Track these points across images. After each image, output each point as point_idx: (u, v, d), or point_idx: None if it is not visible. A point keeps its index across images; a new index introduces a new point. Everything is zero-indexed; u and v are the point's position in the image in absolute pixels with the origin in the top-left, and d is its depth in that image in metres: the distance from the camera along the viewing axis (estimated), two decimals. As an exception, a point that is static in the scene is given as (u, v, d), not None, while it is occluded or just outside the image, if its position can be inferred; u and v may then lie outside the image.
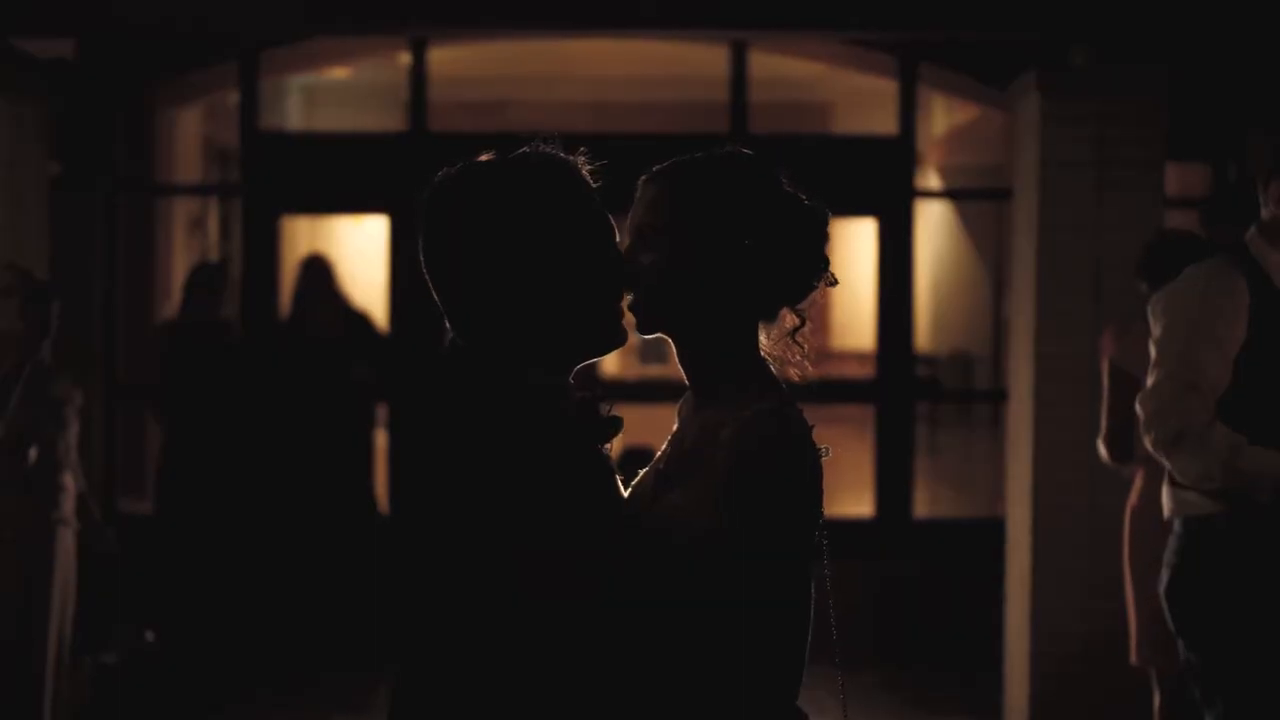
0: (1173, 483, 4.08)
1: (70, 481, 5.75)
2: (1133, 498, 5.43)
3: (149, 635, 6.70)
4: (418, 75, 8.33)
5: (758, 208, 2.33)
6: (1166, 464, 3.95)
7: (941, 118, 11.60)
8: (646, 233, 2.34)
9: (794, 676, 2.26)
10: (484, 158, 2.30)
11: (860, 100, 10.56)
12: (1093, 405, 6.18)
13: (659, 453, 2.41)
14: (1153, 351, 4.05)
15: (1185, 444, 3.87)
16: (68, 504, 5.73)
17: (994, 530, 7.37)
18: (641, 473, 2.43)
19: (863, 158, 8.48)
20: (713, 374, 2.36)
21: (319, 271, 8.10)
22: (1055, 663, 6.34)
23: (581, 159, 2.33)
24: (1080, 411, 6.27)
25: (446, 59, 8.64)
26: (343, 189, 8.53)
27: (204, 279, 8.03)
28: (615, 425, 2.32)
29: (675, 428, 2.43)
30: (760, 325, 2.39)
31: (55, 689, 5.75)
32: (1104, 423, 5.46)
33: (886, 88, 8.67)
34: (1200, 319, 3.92)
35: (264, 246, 8.42)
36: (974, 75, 8.28)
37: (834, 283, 2.42)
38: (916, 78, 8.35)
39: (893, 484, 8.29)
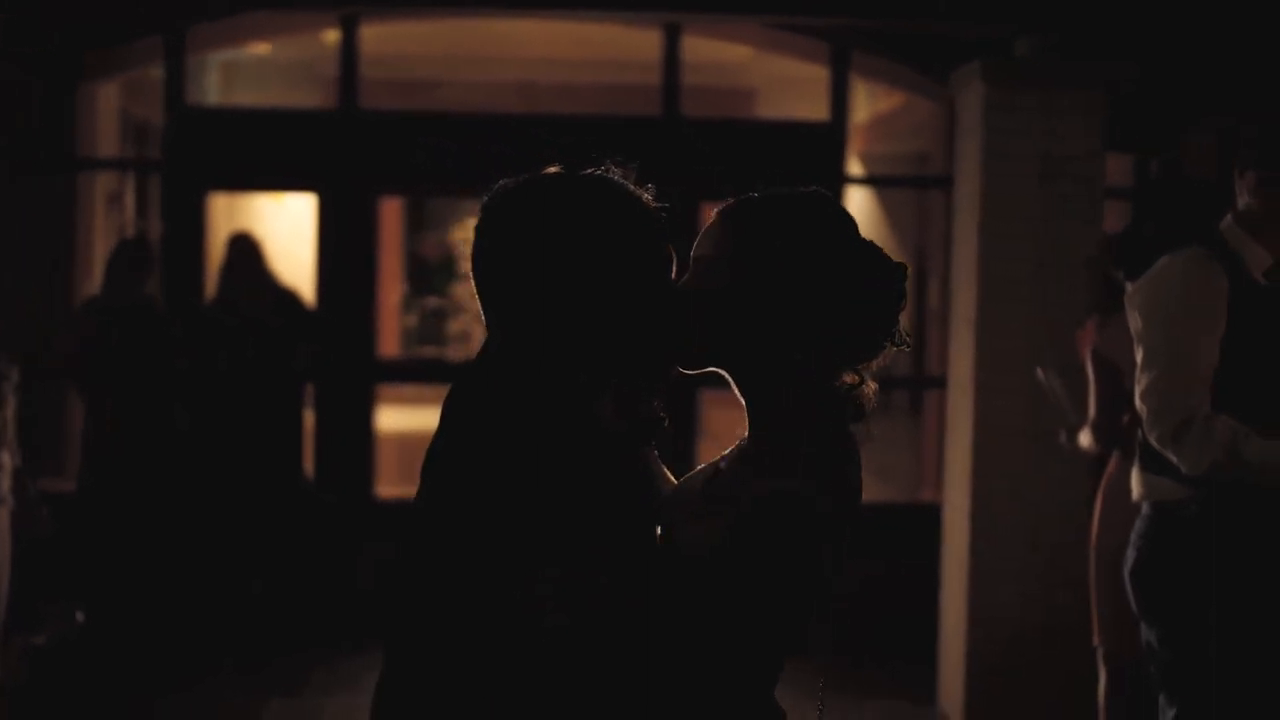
0: (1144, 467, 4.12)
1: (7, 459, 5.64)
2: (1104, 482, 5.47)
3: (79, 615, 6.60)
4: (349, 53, 8.24)
5: (823, 254, 2.26)
6: (1173, 459, 3.93)
7: (864, 105, 11.65)
8: (704, 263, 2.30)
9: (771, 674, 2.28)
10: (551, 170, 2.30)
11: (784, 86, 10.59)
12: (1033, 394, 6.26)
13: (727, 450, 2.39)
14: (1138, 346, 4.08)
15: (1189, 437, 3.87)
16: (4, 482, 5.62)
17: (919, 515, 7.43)
18: (701, 466, 2.41)
19: (794, 143, 8.52)
20: (764, 416, 2.31)
21: (247, 250, 8.00)
22: (991, 648, 6.40)
23: (649, 196, 2.31)
24: (1020, 401, 6.34)
25: (373, 37, 8.56)
26: (271, 166, 8.44)
27: (128, 257, 7.91)
28: (656, 426, 2.34)
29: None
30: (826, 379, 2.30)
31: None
32: (1091, 412, 5.49)
33: (810, 74, 8.70)
34: (1186, 308, 3.95)
35: (189, 224, 8.31)
36: (908, 63, 8.33)
37: (904, 344, 2.34)
38: (849, 64, 8.39)
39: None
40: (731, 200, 2.33)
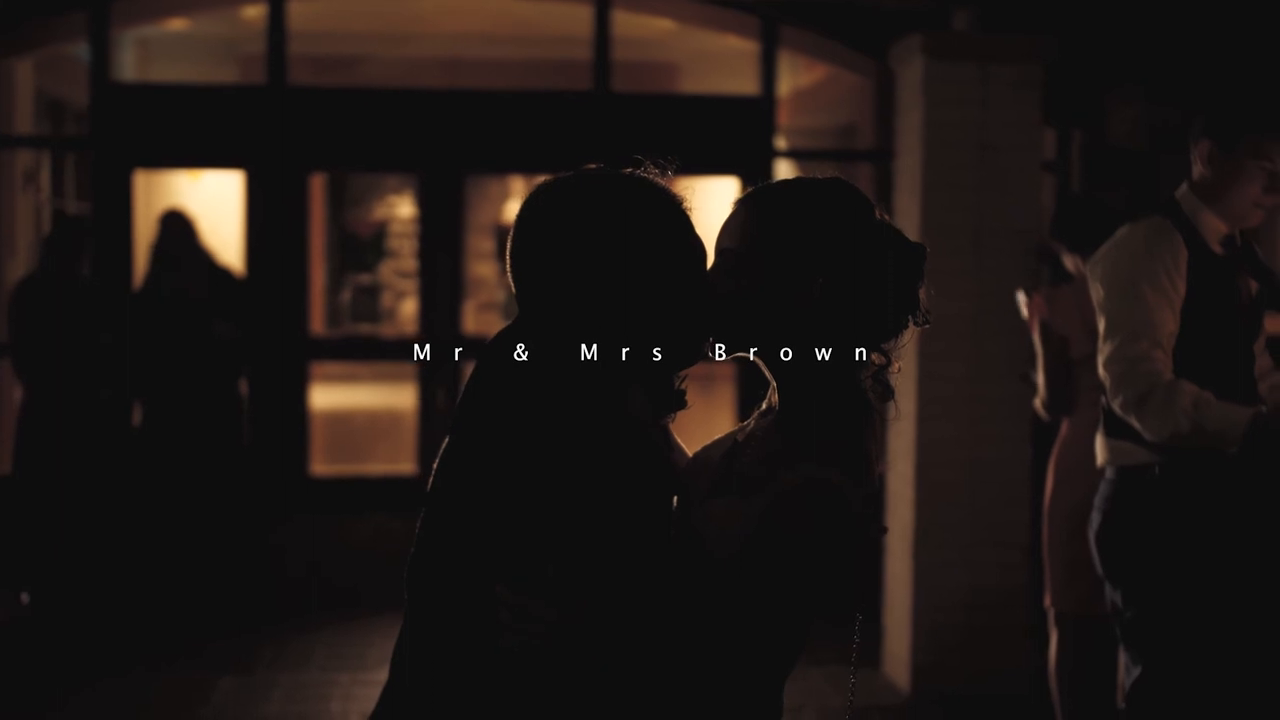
0: (1107, 432, 4.18)
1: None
2: (1057, 447, 5.56)
3: (24, 598, 6.53)
4: (277, 28, 8.16)
5: (838, 240, 2.28)
6: (1137, 425, 4.00)
7: (786, 79, 11.71)
8: (725, 254, 2.32)
9: (779, 665, 2.31)
10: (592, 167, 2.36)
11: (706, 61, 10.61)
12: (974, 362, 6.35)
13: (745, 423, 2.41)
14: (1100, 315, 4.15)
15: (1153, 403, 3.93)
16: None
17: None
18: (718, 438, 2.43)
19: (725, 117, 8.54)
20: (791, 400, 2.33)
21: (180, 227, 7.91)
22: (937, 613, 6.48)
23: (687, 200, 2.37)
24: (962, 370, 6.42)
25: (296, 13, 8.47)
26: (200, 142, 8.33)
27: (63, 235, 7.85)
28: (679, 401, 2.40)
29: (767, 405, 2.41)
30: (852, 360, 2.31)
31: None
32: (1040, 385, 5.57)
33: (733, 48, 8.71)
34: (1149, 276, 4.00)
35: (116, 202, 8.19)
36: (838, 36, 8.38)
37: (925, 323, 2.36)
38: (778, 38, 8.43)
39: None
40: (748, 190, 2.36)
